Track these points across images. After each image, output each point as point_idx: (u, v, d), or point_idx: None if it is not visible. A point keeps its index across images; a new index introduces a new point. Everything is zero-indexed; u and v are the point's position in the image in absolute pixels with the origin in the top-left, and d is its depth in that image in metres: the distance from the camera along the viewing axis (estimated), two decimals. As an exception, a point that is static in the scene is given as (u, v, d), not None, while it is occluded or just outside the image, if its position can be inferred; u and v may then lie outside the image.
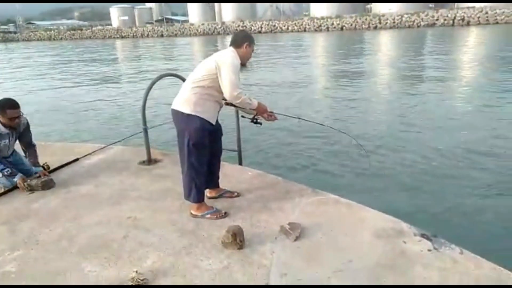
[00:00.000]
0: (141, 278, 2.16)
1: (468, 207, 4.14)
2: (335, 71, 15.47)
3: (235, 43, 2.89)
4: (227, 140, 5.66)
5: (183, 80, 3.93)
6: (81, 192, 3.42)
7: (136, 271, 2.19)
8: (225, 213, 2.90)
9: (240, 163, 4.19)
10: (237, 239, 2.44)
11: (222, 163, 3.99)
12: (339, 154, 5.86)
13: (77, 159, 4.22)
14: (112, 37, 67.39)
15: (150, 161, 4.09)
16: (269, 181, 3.49)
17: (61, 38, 60.83)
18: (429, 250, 2.30)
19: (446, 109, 8.37)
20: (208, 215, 2.86)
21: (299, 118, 3.71)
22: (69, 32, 64.08)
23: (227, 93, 2.69)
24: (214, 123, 2.90)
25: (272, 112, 3.01)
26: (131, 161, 4.11)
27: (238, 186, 3.38)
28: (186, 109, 2.75)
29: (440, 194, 4.47)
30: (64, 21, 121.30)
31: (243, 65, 2.88)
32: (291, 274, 2.18)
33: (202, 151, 2.83)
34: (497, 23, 39.97)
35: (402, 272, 2.14)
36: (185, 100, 2.78)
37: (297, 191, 3.26)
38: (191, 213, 2.89)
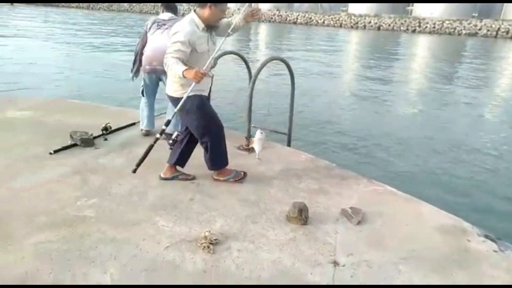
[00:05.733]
0: (213, 238, 2.28)
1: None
2: (367, 69, 15.26)
3: (199, 3, 2.76)
4: (275, 122, 5.82)
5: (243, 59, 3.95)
6: (133, 156, 3.55)
7: (209, 231, 2.31)
8: (244, 173, 3.10)
9: (289, 146, 4.27)
10: (302, 214, 2.52)
11: (273, 144, 4.11)
12: (388, 146, 5.88)
13: (133, 123, 4.37)
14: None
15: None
16: (323, 166, 3.55)
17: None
18: (495, 251, 2.33)
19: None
20: (232, 179, 3.06)
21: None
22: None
23: (166, 54, 2.69)
24: (206, 94, 2.99)
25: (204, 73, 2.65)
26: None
27: (291, 168, 3.46)
28: (175, 92, 2.84)
29: (502, 196, 4.46)
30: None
31: (210, 26, 2.79)
32: (356, 255, 2.25)
33: (210, 118, 2.91)
34: (543, 39, 38.33)
35: (469, 268, 2.18)
36: (170, 82, 2.86)
37: (352, 178, 3.31)
38: (213, 178, 3.07)
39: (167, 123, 2.81)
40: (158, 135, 2.73)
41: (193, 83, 2.66)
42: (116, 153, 3.56)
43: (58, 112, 4.70)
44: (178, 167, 3.11)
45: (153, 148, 2.77)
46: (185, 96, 2.74)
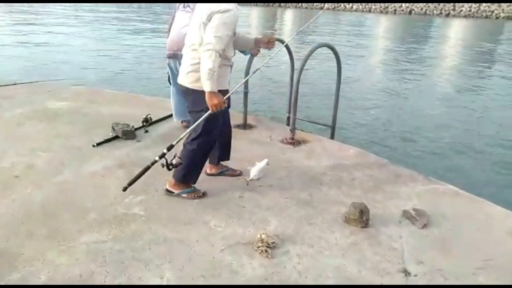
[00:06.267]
0: (271, 241, 2.13)
1: None
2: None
3: None
4: (317, 114, 5.60)
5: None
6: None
7: (265, 233, 2.17)
8: (203, 193, 2.62)
9: (332, 139, 4.07)
10: (363, 217, 2.34)
11: (318, 137, 3.92)
12: (438, 139, 5.55)
13: (171, 115, 4.26)
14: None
15: (245, 125, 4.05)
16: (374, 162, 3.34)
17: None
18: None
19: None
20: (185, 194, 2.59)
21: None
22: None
23: (203, 43, 2.24)
24: (228, 87, 2.51)
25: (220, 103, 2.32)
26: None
27: (341, 163, 3.26)
28: (191, 83, 2.41)
29: None
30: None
31: None
32: (427, 263, 2.06)
33: (215, 127, 2.50)
34: None
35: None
36: (193, 74, 2.38)
37: (407, 175, 3.09)
38: (167, 189, 2.62)
39: (170, 147, 2.34)
40: (157, 158, 2.31)
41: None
42: (159, 147, 3.43)
43: (97, 102, 4.67)
44: (223, 163, 2.97)
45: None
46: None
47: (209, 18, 2.27)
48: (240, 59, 2.91)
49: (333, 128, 4.16)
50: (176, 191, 2.61)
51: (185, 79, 2.46)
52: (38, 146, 3.33)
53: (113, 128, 3.65)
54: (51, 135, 3.60)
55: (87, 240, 2.12)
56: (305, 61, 3.52)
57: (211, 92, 2.27)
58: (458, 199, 2.75)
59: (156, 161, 2.32)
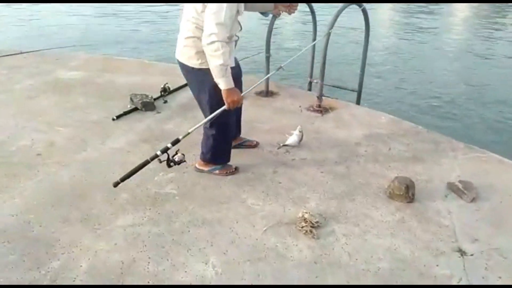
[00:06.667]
0: (314, 221, 2.03)
1: None
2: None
3: None
4: (340, 79, 5.31)
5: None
6: (208, 118, 3.29)
7: (308, 212, 2.06)
8: (236, 168, 2.48)
9: (358, 104, 3.88)
10: (409, 192, 2.22)
11: (345, 103, 3.73)
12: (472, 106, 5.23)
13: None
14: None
15: (267, 92, 3.86)
16: (409, 129, 3.17)
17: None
18: None
19: None
20: (217, 171, 2.46)
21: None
22: None
23: (203, 38, 1.93)
24: (233, 64, 2.17)
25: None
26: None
27: (374, 132, 3.10)
28: (194, 62, 2.12)
29: None
30: None
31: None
32: (483, 241, 1.95)
33: (230, 113, 2.26)
34: None
35: None
36: (188, 49, 2.10)
37: (446, 143, 2.93)
38: (196, 167, 2.49)
39: (175, 142, 2.04)
40: (159, 152, 1.99)
41: None
42: (181, 118, 3.31)
43: (109, 71, 4.45)
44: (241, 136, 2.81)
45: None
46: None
47: None
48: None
49: (359, 93, 3.94)
50: (206, 169, 2.49)
51: (181, 55, 2.18)
52: (55, 121, 3.18)
53: (131, 99, 3.48)
54: (67, 109, 3.44)
55: (123, 223, 2.03)
56: (333, 23, 3.25)
57: (228, 89, 2.03)
58: (503, 168, 2.61)
59: (157, 156, 1.98)
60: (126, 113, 3.35)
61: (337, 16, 3.25)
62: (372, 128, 3.17)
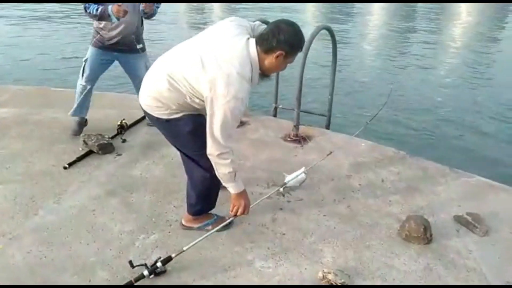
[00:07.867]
0: (340, 282, 1.77)
1: None
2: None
3: (266, 44, 1.67)
4: (312, 103, 5.01)
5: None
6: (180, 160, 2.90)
7: (330, 272, 1.79)
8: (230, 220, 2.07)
9: (328, 129, 3.75)
10: (427, 233, 2.06)
11: (320, 129, 3.57)
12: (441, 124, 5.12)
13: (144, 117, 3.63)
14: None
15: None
16: (392, 155, 3.07)
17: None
18: None
19: None
20: (209, 226, 2.09)
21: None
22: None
23: (208, 147, 1.72)
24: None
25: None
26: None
27: (361, 161, 2.96)
28: (160, 113, 1.81)
29: None
30: None
31: (265, 76, 1.80)
32: (513, 281, 1.84)
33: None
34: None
35: None
36: (155, 102, 1.79)
37: (433, 168, 2.88)
38: (182, 224, 2.13)
39: (165, 260, 1.80)
40: (146, 273, 1.75)
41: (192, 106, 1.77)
42: (147, 160, 2.87)
43: (48, 106, 3.81)
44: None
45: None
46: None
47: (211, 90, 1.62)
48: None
49: (329, 117, 3.81)
50: (196, 225, 2.12)
51: (144, 101, 1.85)
52: (-11, 176, 2.58)
53: (85, 142, 2.95)
54: (4, 158, 2.82)
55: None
56: (308, 48, 3.10)
57: (238, 194, 1.87)
58: (495, 192, 2.59)
59: (143, 276, 1.73)
60: (79, 158, 2.83)
61: (310, 42, 3.10)
62: (356, 156, 3.03)
